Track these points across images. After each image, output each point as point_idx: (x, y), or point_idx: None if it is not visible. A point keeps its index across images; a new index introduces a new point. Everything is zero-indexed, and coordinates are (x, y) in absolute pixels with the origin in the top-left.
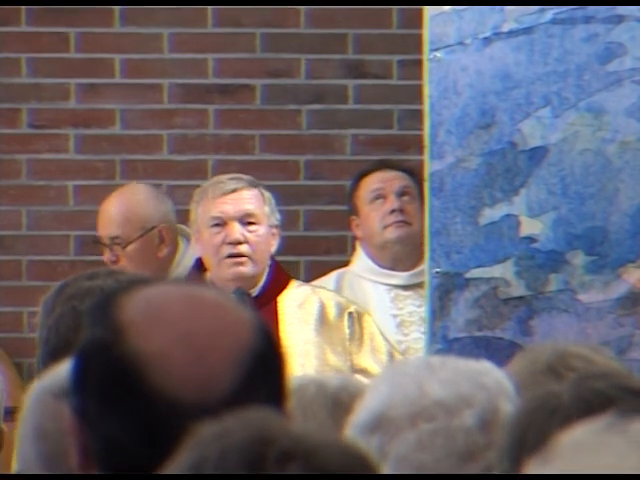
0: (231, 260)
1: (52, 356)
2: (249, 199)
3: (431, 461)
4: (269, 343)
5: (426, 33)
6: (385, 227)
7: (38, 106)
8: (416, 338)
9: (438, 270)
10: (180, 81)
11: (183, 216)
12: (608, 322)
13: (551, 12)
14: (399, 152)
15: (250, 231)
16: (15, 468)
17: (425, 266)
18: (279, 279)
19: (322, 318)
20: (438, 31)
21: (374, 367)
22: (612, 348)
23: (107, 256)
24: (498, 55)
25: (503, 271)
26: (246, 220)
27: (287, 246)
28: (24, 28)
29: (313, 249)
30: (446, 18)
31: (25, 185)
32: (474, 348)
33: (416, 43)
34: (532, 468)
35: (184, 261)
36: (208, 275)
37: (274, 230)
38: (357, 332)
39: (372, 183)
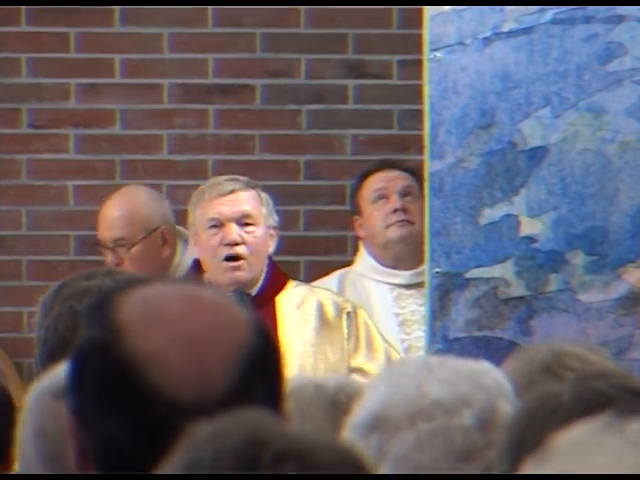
0: (227, 265)
1: (50, 356)
2: (246, 200)
3: (430, 461)
4: (266, 343)
5: (426, 33)
6: (388, 226)
7: (38, 106)
8: (418, 337)
9: (438, 270)
10: (180, 81)
11: (183, 217)
12: (608, 322)
13: (551, 12)
14: (399, 152)
15: (247, 232)
16: (17, 468)
17: (425, 266)
18: (277, 279)
19: (321, 318)
20: (438, 31)
21: (371, 367)
22: (612, 348)
23: (109, 259)
24: (498, 55)
25: (503, 271)
26: (243, 221)
27: (287, 246)
28: (24, 28)
29: (313, 249)
30: (446, 18)
31: (25, 185)
32: (474, 348)
33: (416, 43)
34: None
35: (183, 263)
36: (206, 276)
37: (272, 231)
38: (354, 332)
39: (375, 183)
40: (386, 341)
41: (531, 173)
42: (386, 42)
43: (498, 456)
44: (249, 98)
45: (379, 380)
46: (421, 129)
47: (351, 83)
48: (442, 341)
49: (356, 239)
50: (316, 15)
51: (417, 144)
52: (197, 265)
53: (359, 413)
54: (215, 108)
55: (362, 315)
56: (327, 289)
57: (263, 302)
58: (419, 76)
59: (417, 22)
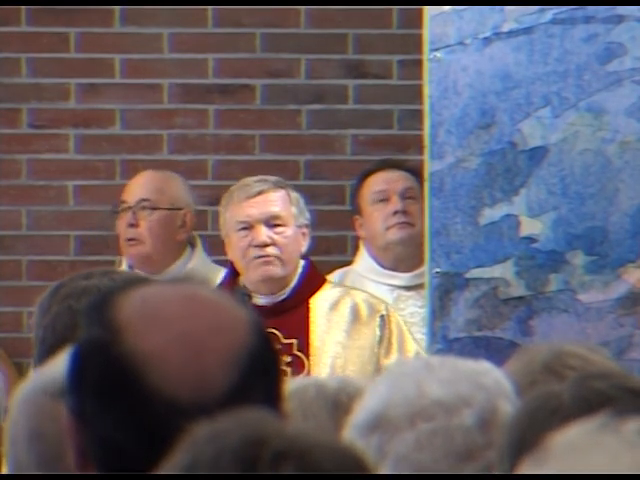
0: (259, 260)
1: (49, 355)
2: (274, 201)
3: (430, 461)
4: (265, 342)
5: (426, 33)
6: (388, 228)
7: (38, 106)
8: (418, 339)
9: (438, 270)
10: (180, 81)
11: None
12: (608, 322)
13: (551, 12)
14: (399, 152)
15: (277, 233)
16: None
17: (425, 266)
18: (312, 281)
19: (353, 320)
20: (438, 31)
21: None
22: (612, 348)
23: (126, 220)
24: (498, 55)
25: (503, 271)
26: (272, 222)
27: None
28: (24, 28)
29: (313, 249)
30: (446, 18)
31: (25, 185)
32: (474, 348)
33: (416, 43)
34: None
35: (185, 266)
36: (241, 279)
37: (303, 230)
38: (387, 334)
39: (376, 184)
40: (417, 343)
41: (531, 173)
42: (386, 42)
43: (498, 456)
44: (249, 98)
45: (379, 380)
46: (421, 129)
47: (351, 83)
48: (442, 341)
49: (356, 239)
50: (316, 15)
51: (417, 144)
52: (232, 268)
53: (359, 413)
54: (215, 108)
55: (395, 317)
56: (364, 291)
57: (296, 304)
58: (419, 76)
59: (417, 22)
